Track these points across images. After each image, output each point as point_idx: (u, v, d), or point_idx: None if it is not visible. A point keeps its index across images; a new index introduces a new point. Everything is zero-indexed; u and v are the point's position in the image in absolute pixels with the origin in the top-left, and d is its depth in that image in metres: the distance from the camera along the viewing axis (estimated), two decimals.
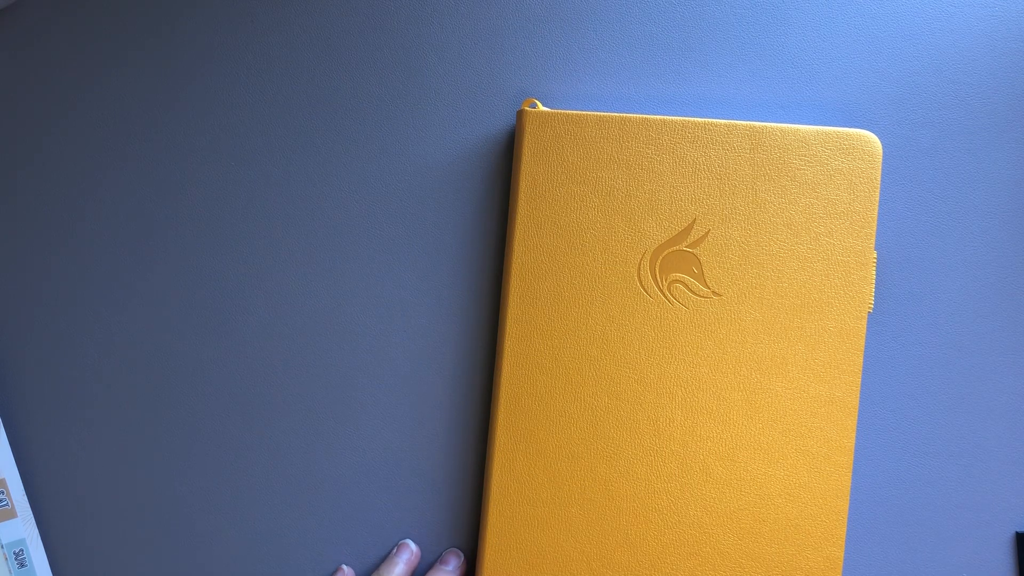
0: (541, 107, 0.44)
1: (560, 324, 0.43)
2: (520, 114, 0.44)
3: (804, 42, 0.46)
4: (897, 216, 0.45)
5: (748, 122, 0.43)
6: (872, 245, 0.43)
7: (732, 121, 0.43)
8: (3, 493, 0.45)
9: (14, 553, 0.44)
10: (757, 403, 0.43)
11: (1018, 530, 0.45)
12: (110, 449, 0.46)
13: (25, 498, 0.45)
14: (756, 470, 0.43)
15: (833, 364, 0.43)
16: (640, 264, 0.43)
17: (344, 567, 0.44)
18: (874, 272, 0.43)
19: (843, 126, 0.45)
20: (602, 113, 0.43)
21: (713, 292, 0.43)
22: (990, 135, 0.45)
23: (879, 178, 0.43)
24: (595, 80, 0.46)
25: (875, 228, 0.43)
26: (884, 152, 0.45)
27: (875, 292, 0.45)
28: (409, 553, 0.44)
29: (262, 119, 0.46)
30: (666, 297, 0.43)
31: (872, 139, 0.43)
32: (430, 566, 0.45)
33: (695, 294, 0.43)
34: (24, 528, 0.45)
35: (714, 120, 0.43)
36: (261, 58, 0.46)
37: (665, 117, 0.43)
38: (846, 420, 0.43)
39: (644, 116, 0.43)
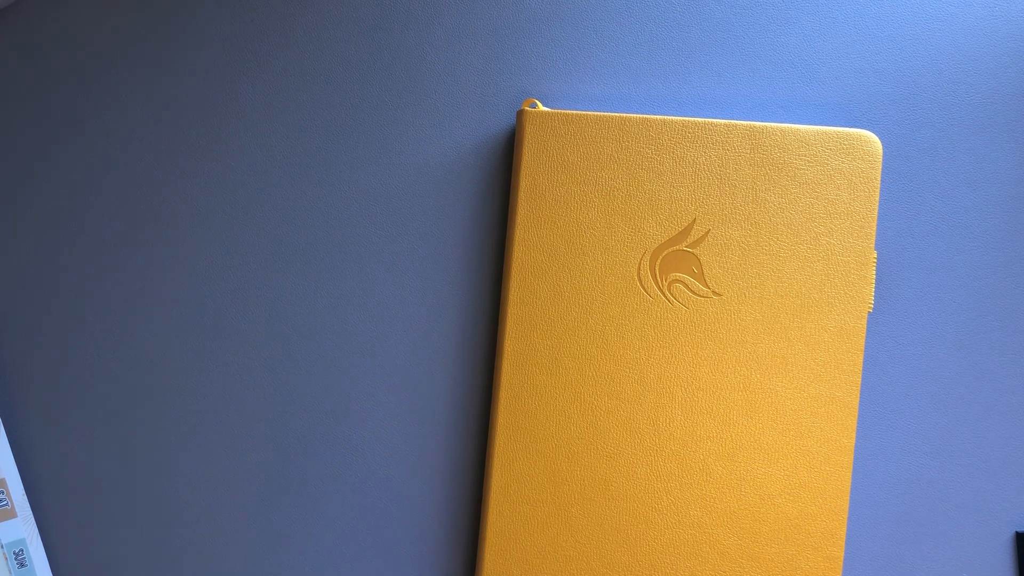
0: (541, 107, 0.44)
1: (560, 324, 0.43)
2: (520, 114, 0.44)
3: (804, 42, 0.46)
4: (897, 216, 0.45)
5: (748, 122, 0.43)
6: (872, 245, 0.43)
7: (732, 121, 0.43)
8: (3, 493, 0.45)
9: (14, 553, 0.44)
10: (757, 403, 0.43)
11: (1018, 530, 0.45)
12: (110, 449, 0.46)
13: (25, 498, 0.45)
14: (756, 470, 0.43)
15: (833, 364, 0.43)
16: (640, 264, 0.43)
17: None
18: (874, 272, 0.43)
19: (843, 126, 0.45)
20: (602, 113, 0.43)
21: (713, 292, 0.43)
22: (990, 135, 0.45)
23: (879, 178, 0.43)
24: (595, 80, 0.46)
25: (875, 228, 0.43)
26: (884, 152, 0.45)
27: (875, 292, 0.45)
28: None
29: (262, 119, 0.46)
30: (666, 297, 0.43)
31: (872, 139, 0.43)
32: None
33: (695, 294, 0.43)
34: (24, 528, 0.45)
35: (714, 120, 0.43)
36: (260, 58, 0.46)
37: (665, 117, 0.43)
38: (846, 420, 0.43)
39: (644, 116, 0.43)
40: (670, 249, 0.43)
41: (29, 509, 0.45)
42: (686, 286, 0.43)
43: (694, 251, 0.43)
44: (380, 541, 0.46)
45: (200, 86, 0.46)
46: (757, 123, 0.43)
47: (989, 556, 0.45)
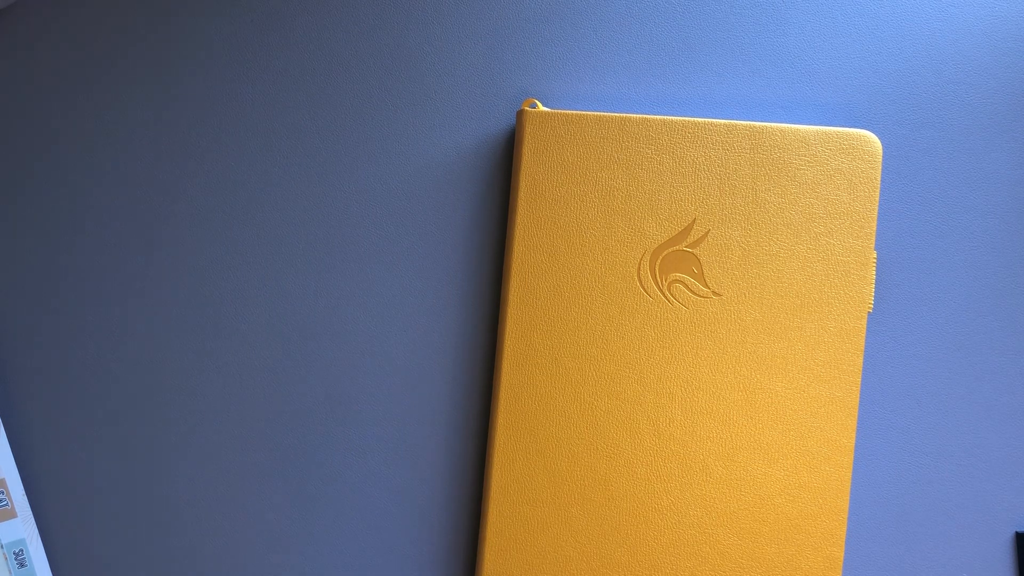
0: (541, 107, 0.44)
1: (560, 324, 0.43)
2: (520, 114, 0.44)
3: (804, 42, 0.46)
4: (897, 216, 0.45)
5: (748, 122, 0.43)
6: (872, 245, 0.43)
7: (732, 121, 0.43)
8: (3, 493, 0.45)
9: (14, 553, 0.44)
10: (757, 403, 0.43)
11: (1018, 530, 0.45)
12: (110, 449, 0.46)
13: (25, 498, 0.45)
14: (756, 470, 0.43)
15: (833, 364, 0.43)
16: (640, 264, 0.43)
17: None
18: (874, 272, 0.43)
19: (843, 126, 0.45)
20: (602, 113, 0.43)
21: (713, 292, 0.43)
22: (990, 135, 0.45)
23: (879, 178, 0.43)
24: (595, 80, 0.46)
25: (875, 228, 0.43)
26: (884, 152, 0.45)
27: (875, 292, 0.45)
28: None
29: (262, 119, 0.46)
30: (666, 297, 0.43)
31: (872, 139, 0.43)
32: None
33: (695, 294, 0.43)
34: (24, 528, 0.45)
35: (714, 120, 0.43)
36: (261, 58, 0.46)
37: (665, 117, 0.43)
38: (846, 420, 0.43)
39: (644, 116, 0.43)
40: (670, 249, 0.43)
41: (29, 509, 0.45)
42: (686, 286, 0.43)
43: (694, 251, 0.43)
44: (380, 541, 0.46)
45: (200, 86, 0.46)
46: (757, 123, 0.43)
47: (989, 556, 0.45)
